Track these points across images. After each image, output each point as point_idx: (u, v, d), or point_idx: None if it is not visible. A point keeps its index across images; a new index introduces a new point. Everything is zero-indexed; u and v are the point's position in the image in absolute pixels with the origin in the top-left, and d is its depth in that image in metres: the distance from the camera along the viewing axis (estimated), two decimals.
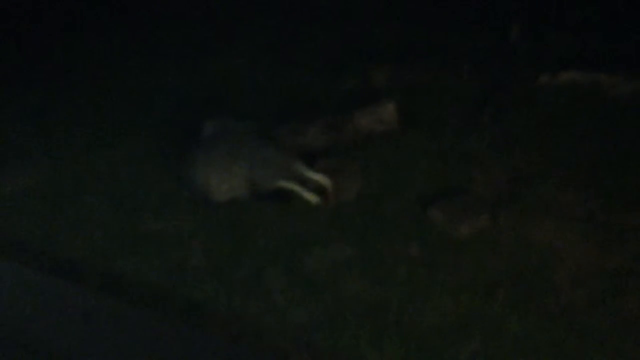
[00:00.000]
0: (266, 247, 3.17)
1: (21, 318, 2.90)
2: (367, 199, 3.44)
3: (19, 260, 3.28)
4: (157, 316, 2.85)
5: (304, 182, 3.45)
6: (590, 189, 3.40)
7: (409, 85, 4.62)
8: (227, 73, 5.19)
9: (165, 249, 3.23)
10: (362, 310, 2.75)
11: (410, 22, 5.70)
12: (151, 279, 3.04)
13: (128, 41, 6.16)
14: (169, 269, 3.09)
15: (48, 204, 3.66)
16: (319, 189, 3.42)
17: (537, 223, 3.19)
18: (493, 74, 4.67)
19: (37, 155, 4.20)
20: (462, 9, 5.71)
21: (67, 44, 6.17)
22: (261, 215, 3.41)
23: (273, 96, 4.71)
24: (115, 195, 3.70)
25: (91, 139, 4.35)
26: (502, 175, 3.59)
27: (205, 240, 3.26)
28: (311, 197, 3.40)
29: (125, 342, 2.70)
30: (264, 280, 2.97)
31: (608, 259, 2.93)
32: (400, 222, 3.26)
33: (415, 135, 4.00)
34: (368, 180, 3.56)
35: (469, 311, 2.70)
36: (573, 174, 3.53)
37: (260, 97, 4.71)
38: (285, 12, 6.26)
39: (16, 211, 3.64)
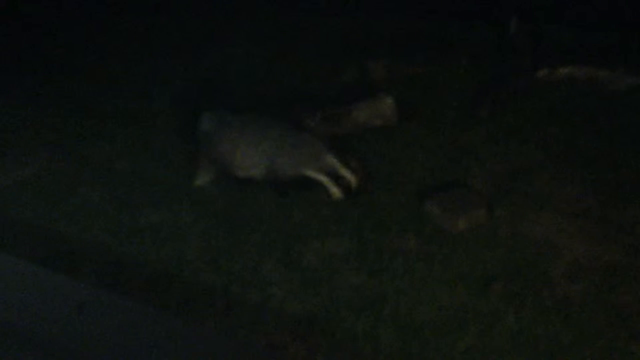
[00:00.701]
0: (263, 240, 3.17)
1: (16, 309, 2.89)
2: (365, 192, 3.44)
3: (15, 252, 3.28)
4: (154, 308, 2.84)
5: (333, 176, 3.37)
6: (588, 184, 3.41)
7: (408, 79, 4.62)
8: (224, 65, 5.18)
9: (162, 240, 3.23)
10: (359, 303, 2.75)
11: (409, 15, 5.70)
12: (148, 271, 3.04)
13: (125, 32, 6.15)
14: (166, 261, 3.09)
15: (45, 196, 3.66)
16: (342, 185, 3.37)
17: (534, 217, 3.20)
18: (491, 68, 4.67)
19: (35, 147, 4.19)
20: (460, 2, 5.70)
21: (64, 34, 6.15)
22: (259, 208, 3.41)
23: (270, 88, 4.70)
24: (112, 186, 3.70)
25: (89, 130, 4.35)
26: (500, 169, 3.60)
27: (203, 232, 3.26)
28: (335, 192, 3.35)
29: (121, 334, 2.70)
30: (262, 272, 2.97)
31: (604, 253, 2.94)
32: (398, 215, 3.27)
33: (413, 129, 4.01)
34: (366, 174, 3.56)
35: (465, 305, 2.71)
36: (570, 169, 3.54)
37: (257, 89, 4.70)
38: (283, 4, 6.24)
39: (13, 203, 3.64)
